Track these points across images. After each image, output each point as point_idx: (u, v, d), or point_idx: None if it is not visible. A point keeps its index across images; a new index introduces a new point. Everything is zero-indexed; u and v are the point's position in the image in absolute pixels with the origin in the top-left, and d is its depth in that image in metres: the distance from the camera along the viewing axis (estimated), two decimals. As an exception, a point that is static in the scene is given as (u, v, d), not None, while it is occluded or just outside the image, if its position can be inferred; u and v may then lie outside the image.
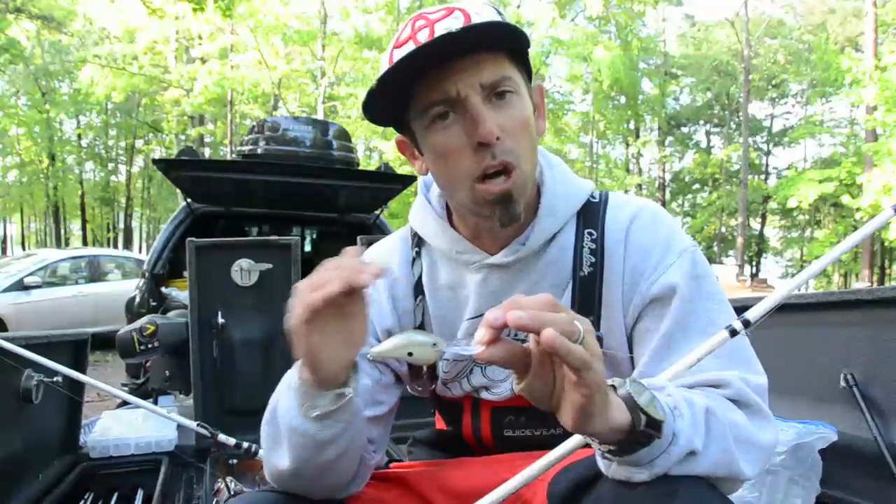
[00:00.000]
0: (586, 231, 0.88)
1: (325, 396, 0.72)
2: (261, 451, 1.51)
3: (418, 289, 0.94)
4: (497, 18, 0.80)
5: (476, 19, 0.78)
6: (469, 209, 0.84)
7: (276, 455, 0.78)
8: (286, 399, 0.76)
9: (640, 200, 0.91)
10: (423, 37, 0.78)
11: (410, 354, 0.61)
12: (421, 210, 0.95)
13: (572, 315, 0.58)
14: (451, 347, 0.61)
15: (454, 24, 0.77)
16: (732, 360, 0.78)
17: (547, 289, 0.87)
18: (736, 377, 0.76)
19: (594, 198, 0.91)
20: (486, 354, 0.57)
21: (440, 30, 0.77)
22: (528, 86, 0.84)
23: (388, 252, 0.99)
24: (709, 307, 0.82)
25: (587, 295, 0.86)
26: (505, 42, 0.80)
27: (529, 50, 0.84)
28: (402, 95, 0.80)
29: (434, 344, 0.61)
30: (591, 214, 0.89)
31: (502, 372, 0.91)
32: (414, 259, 0.95)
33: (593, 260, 0.86)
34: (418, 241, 0.96)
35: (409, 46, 0.78)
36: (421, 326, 0.94)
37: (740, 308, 0.79)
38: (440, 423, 1.07)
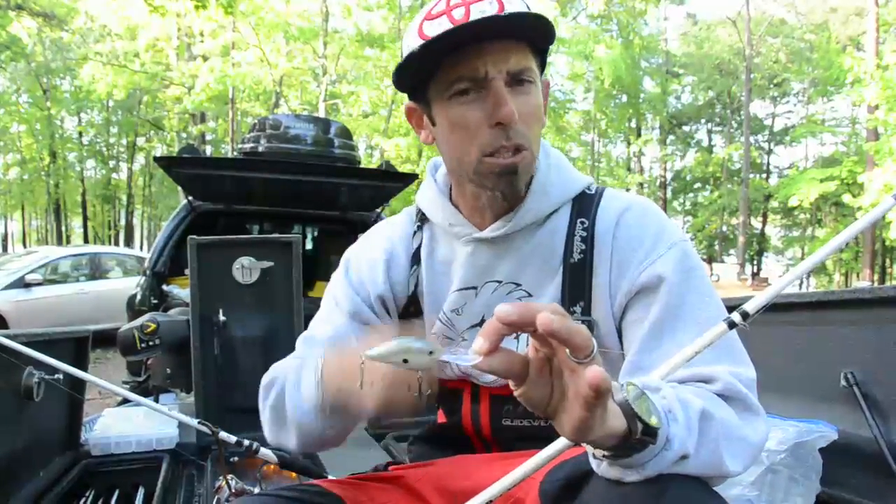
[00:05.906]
0: (579, 220, 0.91)
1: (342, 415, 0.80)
2: (262, 449, 1.52)
3: (415, 259, 0.98)
4: (525, 9, 0.83)
5: (509, 7, 0.81)
6: (472, 180, 0.88)
7: (282, 436, 0.88)
8: (298, 394, 0.83)
9: (635, 196, 0.94)
10: (459, 14, 0.81)
11: (406, 361, 0.60)
12: (426, 187, 1.01)
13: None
14: (449, 355, 0.60)
15: (489, 8, 0.80)
16: (722, 354, 0.77)
17: (536, 271, 0.90)
18: (725, 371, 0.76)
19: (590, 190, 0.95)
20: (484, 364, 0.56)
21: (475, 11, 0.80)
22: (541, 78, 0.88)
23: (393, 224, 1.04)
24: (699, 299, 0.82)
25: (577, 281, 0.88)
26: (535, 35, 0.83)
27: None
28: (428, 65, 0.83)
29: (431, 352, 0.60)
30: (585, 204, 0.93)
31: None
32: (415, 232, 1.00)
33: (584, 247, 0.89)
34: (422, 217, 1.01)
35: (443, 21, 0.81)
36: (413, 296, 0.98)
37: (730, 307, 0.78)
38: (441, 417, 1.08)
